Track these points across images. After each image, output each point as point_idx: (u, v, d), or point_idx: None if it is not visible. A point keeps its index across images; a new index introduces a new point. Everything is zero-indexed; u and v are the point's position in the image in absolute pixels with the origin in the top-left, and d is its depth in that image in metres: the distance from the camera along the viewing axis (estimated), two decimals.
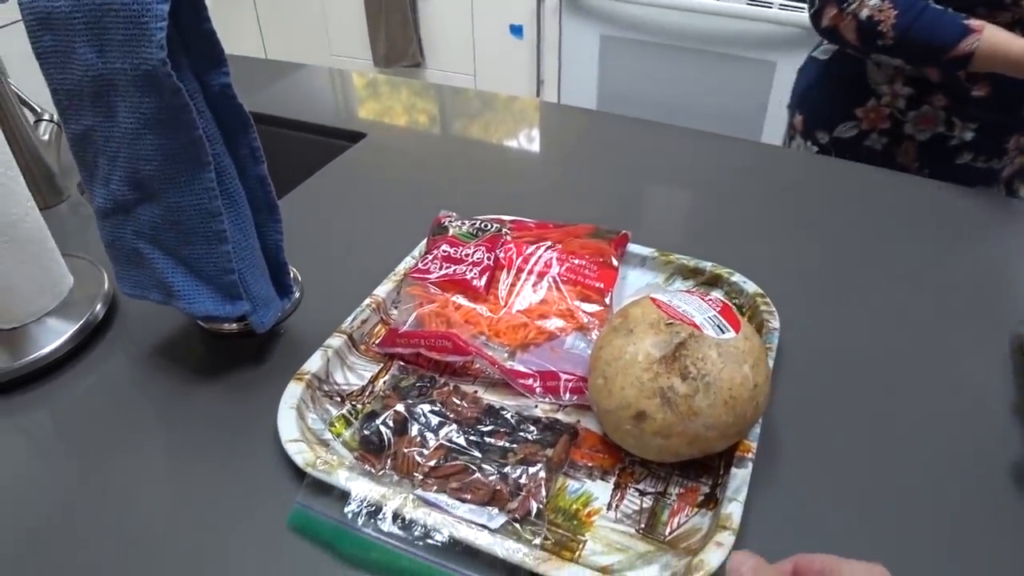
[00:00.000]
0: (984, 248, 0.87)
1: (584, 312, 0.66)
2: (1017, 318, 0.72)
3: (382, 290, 0.72)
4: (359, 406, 0.62)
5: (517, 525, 0.51)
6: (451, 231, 0.75)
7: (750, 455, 0.55)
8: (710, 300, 0.58)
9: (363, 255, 0.81)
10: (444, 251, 0.72)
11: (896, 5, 0.94)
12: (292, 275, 0.73)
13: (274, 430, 0.58)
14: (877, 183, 1.00)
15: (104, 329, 0.72)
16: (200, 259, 0.58)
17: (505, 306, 0.68)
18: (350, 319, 0.68)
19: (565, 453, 0.57)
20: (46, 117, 0.94)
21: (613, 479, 0.56)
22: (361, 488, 0.52)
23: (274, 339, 0.70)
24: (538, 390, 0.61)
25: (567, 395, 0.61)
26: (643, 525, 0.53)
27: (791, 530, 0.54)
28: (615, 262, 0.72)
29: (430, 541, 0.50)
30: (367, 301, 0.70)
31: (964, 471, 0.59)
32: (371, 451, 0.57)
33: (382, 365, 0.66)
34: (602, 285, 0.69)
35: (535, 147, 1.13)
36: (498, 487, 0.53)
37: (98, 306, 0.72)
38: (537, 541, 0.50)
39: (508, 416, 0.59)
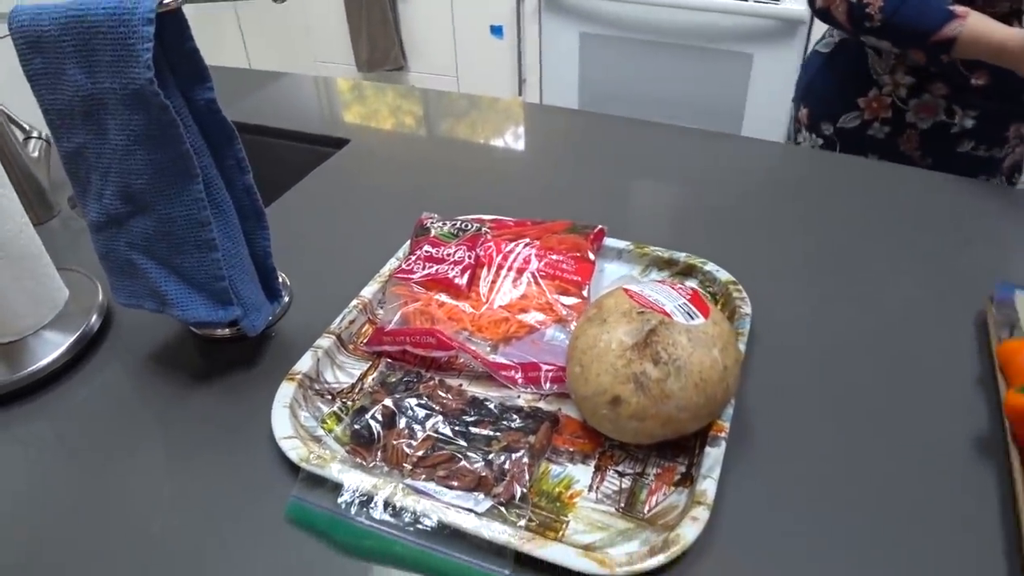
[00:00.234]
0: (959, 232, 0.90)
1: (563, 305, 0.69)
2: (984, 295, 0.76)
3: (368, 291, 0.75)
4: (349, 403, 0.64)
5: (502, 509, 0.54)
6: (433, 232, 0.78)
7: (723, 435, 0.58)
8: (680, 288, 0.61)
9: (349, 258, 0.84)
10: (427, 251, 0.75)
11: None
12: (281, 280, 0.75)
13: (268, 429, 0.60)
14: (856, 173, 1.03)
15: (100, 340, 0.74)
16: (192, 267, 0.60)
17: (486, 302, 0.71)
18: (338, 320, 0.71)
19: (547, 439, 0.59)
20: (35, 135, 0.97)
21: (593, 462, 0.59)
22: (353, 479, 0.55)
23: (265, 342, 0.73)
24: (520, 381, 0.64)
25: (548, 385, 0.64)
26: (623, 504, 0.56)
27: (764, 506, 0.56)
28: (592, 256, 0.75)
29: (420, 526, 0.52)
30: (354, 302, 0.73)
31: (931, 443, 0.62)
32: (362, 444, 0.59)
33: (370, 363, 0.69)
34: (580, 278, 0.71)
35: (518, 148, 1.15)
36: (483, 473, 0.55)
37: (93, 317, 0.74)
38: (522, 523, 0.53)
39: (492, 407, 0.62)
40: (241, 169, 0.63)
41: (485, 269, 0.74)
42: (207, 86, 0.57)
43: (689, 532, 0.51)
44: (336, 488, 0.55)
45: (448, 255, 0.74)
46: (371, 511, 0.53)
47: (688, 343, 0.55)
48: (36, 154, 0.95)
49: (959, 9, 0.93)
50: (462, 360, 0.67)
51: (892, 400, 0.66)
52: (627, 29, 2.52)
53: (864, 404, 0.65)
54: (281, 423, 0.60)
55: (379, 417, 0.60)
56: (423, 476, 0.56)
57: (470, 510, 0.53)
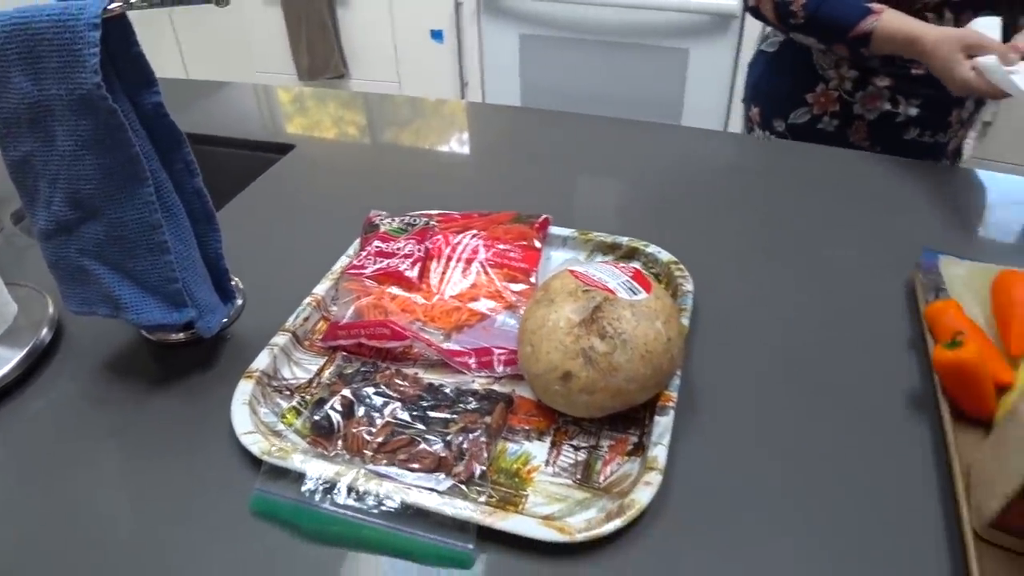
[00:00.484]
0: (892, 207, 0.95)
1: (512, 292, 0.71)
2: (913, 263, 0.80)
3: (321, 288, 0.76)
4: (307, 397, 0.66)
5: (463, 487, 0.56)
6: (382, 228, 0.80)
7: (671, 404, 0.61)
8: (623, 267, 0.63)
9: (300, 259, 0.85)
10: (377, 247, 0.77)
11: None
12: (234, 283, 0.76)
13: (228, 427, 0.61)
14: (795, 157, 1.08)
15: (52, 353, 0.74)
16: (145, 271, 0.61)
17: (438, 293, 0.73)
18: (292, 318, 0.72)
19: (503, 419, 0.62)
20: None
21: (549, 439, 0.61)
22: (316, 468, 0.56)
23: (220, 344, 0.74)
24: (474, 366, 0.66)
25: (501, 368, 0.66)
26: (579, 476, 0.58)
27: (714, 469, 0.60)
28: (538, 244, 0.77)
29: (384, 508, 0.54)
30: (307, 300, 0.74)
31: (870, 401, 0.66)
32: (322, 435, 0.61)
33: (326, 358, 0.70)
34: (527, 266, 0.74)
35: (462, 146, 1.17)
36: (443, 454, 0.57)
37: (44, 331, 0.73)
38: (483, 499, 0.55)
39: (448, 391, 0.64)
40: (190, 172, 0.64)
41: (435, 261, 0.75)
42: (154, 90, 0.58)
43: (643, 496, 0.54)
44: (299, 478, 0.56)
45: (398, 249, 0.76)
46: (335, 497, 0.55)
47: (632, 317, 0.58)
48: None
49: (875, 5, 0.98)
50: (416, 349, 0.69)
51: (831, 364, 0.70)
52: (566, 29, 2.56)
53: (805, 369, 0.69)
54: (241, 419, 0.61)
55: (338, 407, 0.62)
56: (384, 461, 0.58)
57: (432, 489, 0.55)
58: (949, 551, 0.53)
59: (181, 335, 0.73)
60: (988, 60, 0.89)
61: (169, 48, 3.17)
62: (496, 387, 0.66)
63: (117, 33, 0.54)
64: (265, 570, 0.53)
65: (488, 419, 0.60)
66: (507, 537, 0.53)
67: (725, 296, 0.78)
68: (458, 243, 0.76)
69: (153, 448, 0.63)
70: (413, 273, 0.73)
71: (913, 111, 1.12)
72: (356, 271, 0.75)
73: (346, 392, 0.63)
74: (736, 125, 2.41)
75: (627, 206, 0.97)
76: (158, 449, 0.63)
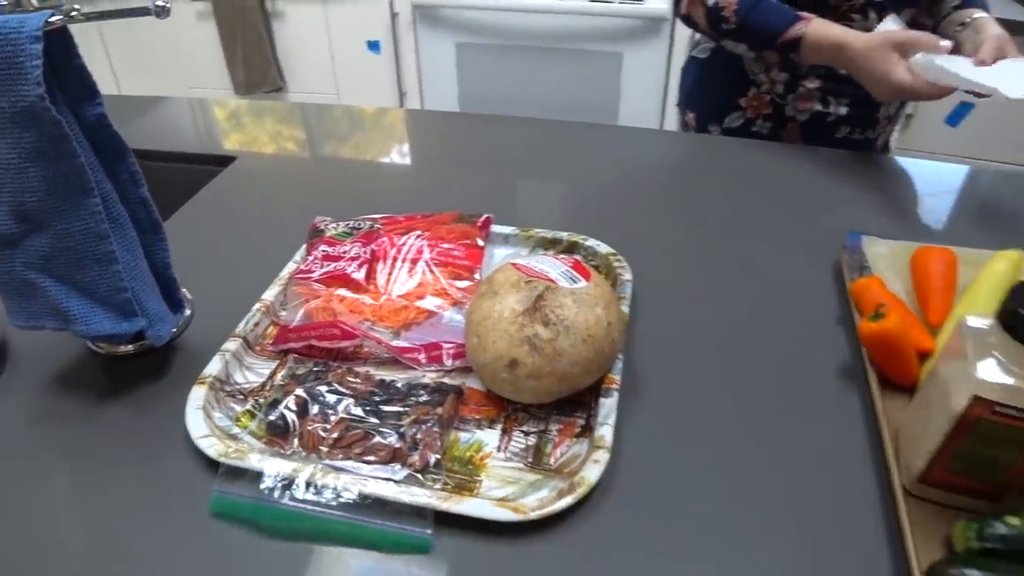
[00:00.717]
0: (821, 195, 1.00)
1: (457, 288, 0.74)
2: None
3: (269, 294, 0.77)
4: (261, 400, 0.67)
5: (419, 476, 0.58)
6: (328, 233, 0.81)
7: (615, 386, 0.64)
8: (563, 259, 0.66)
9: (247, 268, 0.85)
10: (323, 251, 0.78)
11: None
12: (182, 293, 0.76)
13: (183, 435, 0.62)
14: (729, 152, 1.13)
15: None
16: (93, 281, 0.62)
17: (385, 293, 0.75)
18: (242, 324, 0.73)
19: (454, 409, 0.64)
20: None
21: (500, 426, 0.63)
22: (273, 466, 0.57)
23: (171, 354, 0.74)
24: (423, 361, 0.68)
25: (450, 361, 0.68)
26: (530, 460, 0.61)
27: (658, 446, 0.63)
28: (481, 242, 0.79)
29: (342, 500, 0.55)
30: (256, 306, 0.75)
31: (803, 376, 0.70)
32: (278, 434, 0.62)
33: (278, 361, 0.71)
34: (471, 263, 0.76)
35: (403, 153, 1.19)
36: (397, 446, 0.59)
37: None
38: (438, 487, 0.57)
39: (399, 386, 0.66)
40: (135, 182, 0.64)
41: (381, 263, 0.77)
42: (96, 102, 0.59)
43: (592, 473, 0.57)
44: (257, 477, 0.57)
45: (344, 252, 0.77)
46: (294, 492, 0.56)
47: (573, 304, 0.60)
48: None
49: (804, 14, 1.02)
50: (367, 348, 0.70)
51: (766, 344, 0.74)
52: (501, 36, 2.60)
53: (741, 349, 0.73)
54: (196, 424, 0.62)
55: (292, 407, 0.63)
56: (340, 456, 0.59)
57: (388, 479, 0.57)
58: (883, 508, 0.57)
59: (130, 347, 0.73)
60: (923, 58, 0.92)
61: (100, 65, 3.11)
62: (446, 380, 0.68)
63: (59, 46, 0.55)
64: (228, 570, 0.54)
65: (440, 410, 0.62)
66: (464, 520, 0.55)
67: (664, 285, 0.81)
68: (403, 244, 0.78)
69: (107, 460, 0.63)
70: (360, 275, 0.75)
71: (843, 110, 1.17)
72: (304, 276, 0.76)
73: (300, 392, 0.64)
74: (671, 127, 2.47)
75: (568, 205, 1.01)
76: (112, 461, 0.63)
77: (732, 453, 0.62)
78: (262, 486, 0.56)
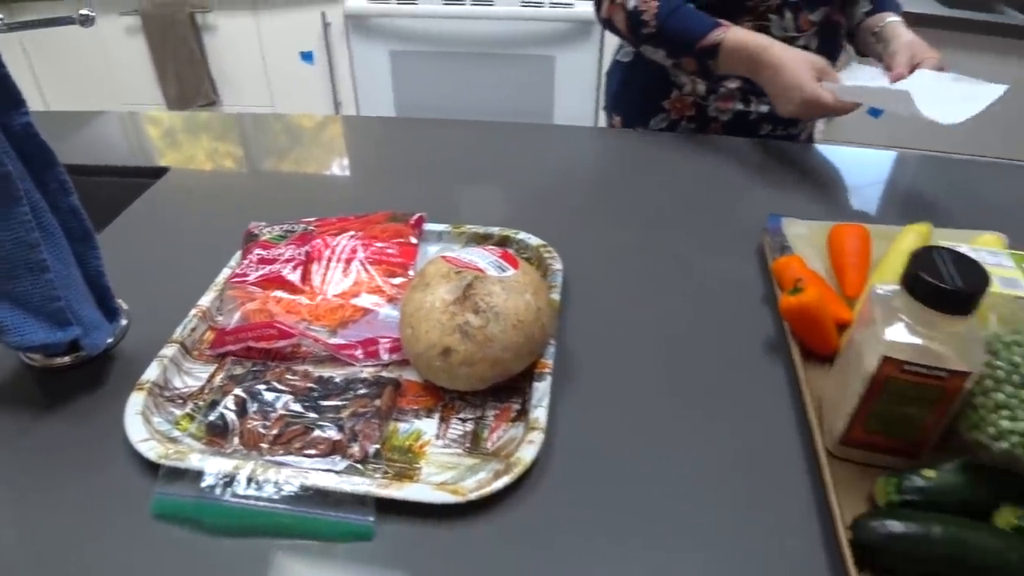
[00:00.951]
0: (743, 182, 1.04)
1: (392, 285, 0.75)
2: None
3: (206, 299, 0.77)
4: (200, 403, 0.67)
5: (359, 466, 0.59)
6: (262, 236, 0.82)
7: (548, 370, 0.67)
8: (491, 249, 0.69)
9: (183, 276, 0.85)
10: (258, 254, 0.79)
11: None
12: (118, 303, 0.76)
13: (122, 442, 0.62)
14: (655, 146, 1.17)
15: None
16: (25, 291, 0.61)
17: (321, 293, 0.76)
18: (180, 329, 0.73)
19: (392, 400, 0.65)
20: None
21: (438, 415, 0.65)
22: (215, 464, 0.58)
23: (107, 364, 0.73)
24: (361, 356, 0.70)
25: (386, 355, 0.69)
26: (468, 445, 0.62)
27: (592, 427, 0.65)
28: (414, 240, 0.81)
29: (284, 493, 0.56)
30: (193, 311, 0.75)
31: (730, 352, 0.74)
32: (218, 434, 0.62)
33: (216, 365, 0.72)
34: (404, 260, 0.78)
35: (339, 159, 1.20)
36: (337, 438, 0.60)
37: None
38: (379, 475, 0.59)
39: (338, 381, 0.67)
40: (65, 191, 0.64)
41: (316, 263, 0.78)
42: (23, 111, 0.59)
43: (527, 453, 0.59)
44: (198, 477, 0.58)
45: (279, 255, 0.78)
46: (235, 489, 0.57)
47: (502, 291, 0.63)
48: None
49: (723, 22, 1.05)
50: (304, 347, 0.71)
51: (694, 324, 0.77)
52: (435, 43, 2.61)
53: (671, 331, 0.76)
54: (135, 428, 0.62)
55: (231, 407, 0.64)
56: (281, 451, 0.60)
57: (329, 470, 0.58)
58: (809, 470, 0.61)
59: (66, 358, 0.73)
60: (837, 86, 0.96)
61: (25, 81, 3.03)
62: (384, 374, 0.69)
63: None
64: (174, 570, 0.54)
65: (378, 402, 0.64)
66: (405, 506, 0.56)
67: (596, 275, 0.84)
68: (336, 245, 0.79)
69: (45, 472, 0.62)
70: (295, 276, 0.76)
71: (764, 108, 1.20)
72: (239, 279, 0.77)
73: (238, 391, 0.65)
74: None
75: (503, 203, 1.03)
76: (50, 472, 0.62)
77: (664, 430, 0.65)
78: (203, 484, 0.57)
